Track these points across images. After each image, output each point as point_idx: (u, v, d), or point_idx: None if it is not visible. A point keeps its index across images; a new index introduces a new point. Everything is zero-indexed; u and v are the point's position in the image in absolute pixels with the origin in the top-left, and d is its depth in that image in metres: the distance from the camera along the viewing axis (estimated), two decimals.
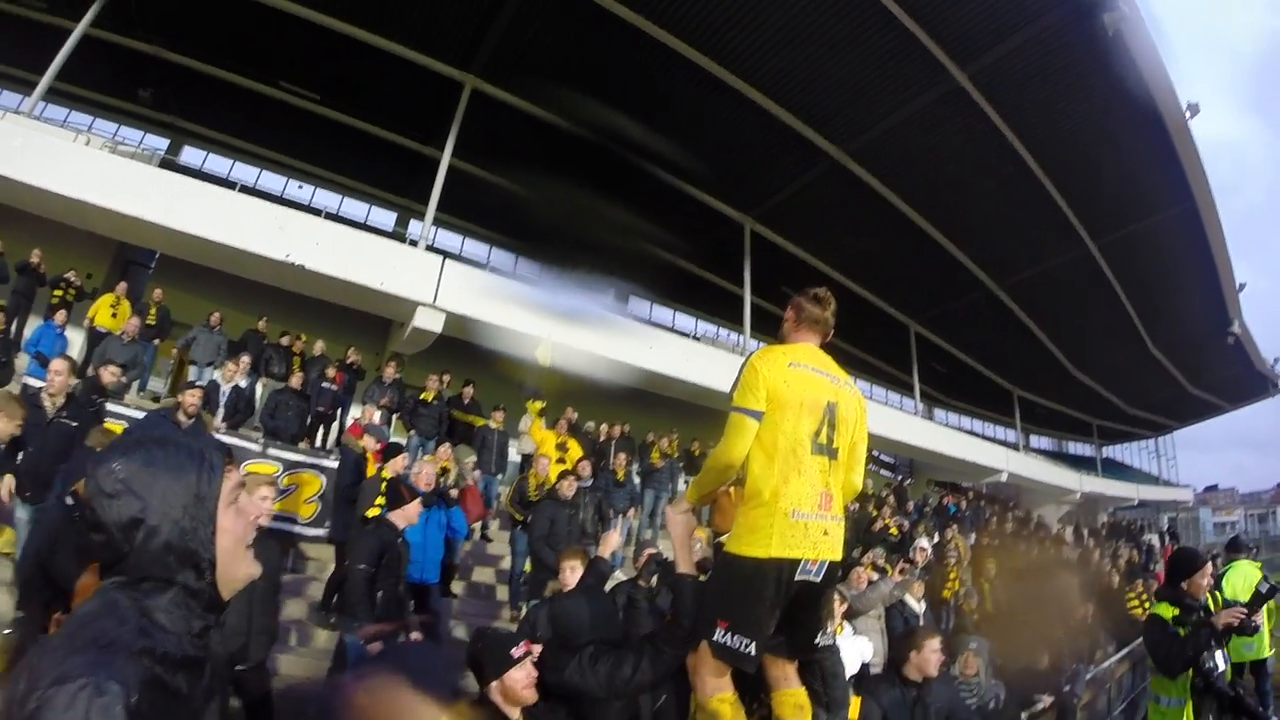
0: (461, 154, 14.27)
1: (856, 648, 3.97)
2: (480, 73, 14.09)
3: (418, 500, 5.36)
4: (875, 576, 7.06)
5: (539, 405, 9.95)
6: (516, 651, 2.78)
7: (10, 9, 14.43)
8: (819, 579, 2.41)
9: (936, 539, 11.25)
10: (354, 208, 19.34)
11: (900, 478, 22.31)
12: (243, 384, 9.53)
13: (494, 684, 2.72)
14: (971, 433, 25.70)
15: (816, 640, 2.53)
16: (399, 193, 18.63)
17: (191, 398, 6.52)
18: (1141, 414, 29.53)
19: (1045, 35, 12.00)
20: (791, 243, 18.31)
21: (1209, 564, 3.97)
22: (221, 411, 8.99)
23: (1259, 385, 27.19)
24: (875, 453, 23.92)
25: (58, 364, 5.81)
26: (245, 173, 18.68)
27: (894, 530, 11.64)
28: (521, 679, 2.74)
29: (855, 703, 3.69)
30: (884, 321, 21.26)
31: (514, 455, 10.88)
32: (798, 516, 2.36)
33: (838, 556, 2.46)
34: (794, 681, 2.58)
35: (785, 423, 2.44)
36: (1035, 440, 31.57)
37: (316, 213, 15.58)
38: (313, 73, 15.11)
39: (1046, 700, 5.69)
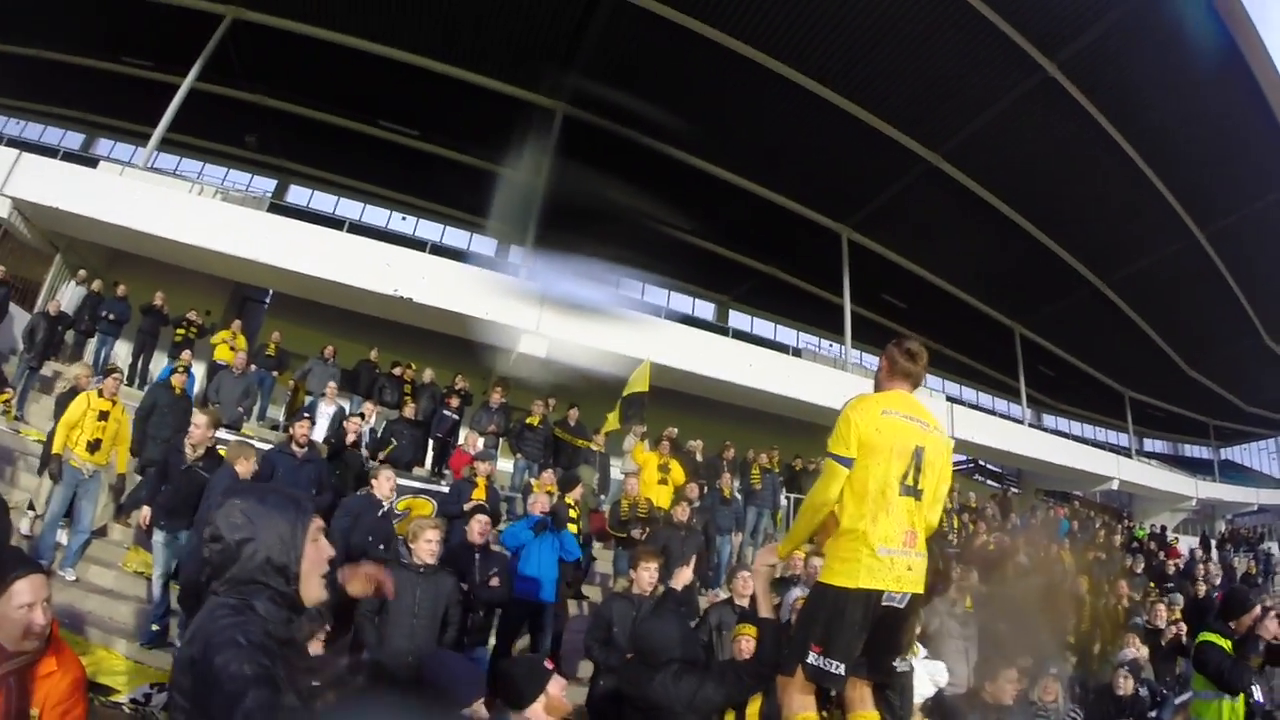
0: (562, 180, 14.54)
1: (928, 671, 3.92)
2: (569, 99, 14.43)
3: None
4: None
5: (640, 444, 10.06)
6: (549, 664, 2.93)
7: (120, 69, 15.60)
8: (903, 605, 2.59)
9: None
10: (455, 237, 20.01)
11: (1006, 488, 21.50)
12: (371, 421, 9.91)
13: (537, 702, 2.78)
14: (1081, 439, 24.63)
15: (895, 664, 2.70)
16: (502, 218, 19.03)
17: (302, 428, 6.92)
18: (1260, 412, 27.62)
19: (1132, 16, 11.56)
20: (890, 250, 18.06)
21: (1257, 607, 4.38)
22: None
23: None
24: (982, 462, 23.22)
25: (199, 418, 6.17)
26: (350, 208, 19.59)
27: (991, 546, 11.13)
28: (559, 690, 2.86)
29: None
30: (988, 325, 20.65)
31: (617, 474, 10.99)
32: (884, 552, 2.56)
33: (920, 589, 2.63)
34: (869, 704, 2.73)
35: (876, 467, 2.63)
36: (1149, 444, 29.95)
37: (421, 245, 16.21)
38: (410, 110, 15.82)
39: None
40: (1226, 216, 16.30)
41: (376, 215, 19.80)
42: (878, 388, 2.93)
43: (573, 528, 8.00)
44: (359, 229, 17.01)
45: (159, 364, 11.74)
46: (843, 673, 2.53)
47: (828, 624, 2.58)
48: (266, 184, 19.60)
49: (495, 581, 5.62)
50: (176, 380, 8.31)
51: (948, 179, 15.35)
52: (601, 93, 14.06)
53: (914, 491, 2.65)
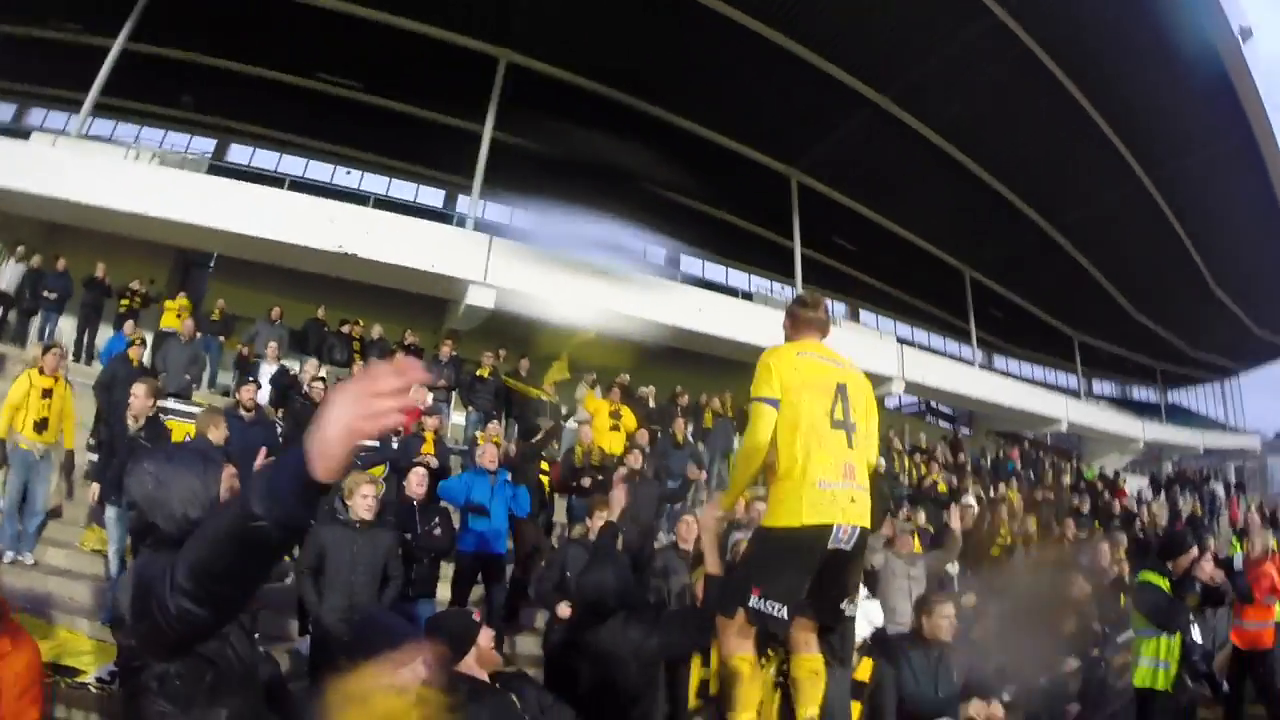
0: (504, 127, 14.31)
1: (864, 612, 3.98)
2: (515, 45, 14.13)
3: None
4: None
5: (591, 391, 10.04)
6: (477, 616, 2.93)
7: (50, 35, 14.91)
8: (849, 547, 2.61)
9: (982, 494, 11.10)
10: (402, 189, 19.54)
11: (956, 429, 21.94)
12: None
13: (469, 655, 2.79)
14: (1032, 380, 25.11)
15: (842, 607, 2.75)
16: (445, 170, 18.68)
17: (248, 392, 6.91)
18: (1206, 357, 28.50)
19: None
20: (839, 193, 18.03)
21: (1194, 549, 4.55)
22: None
23: None
24: (932, 404, 23.63)
25: (138, 388, 5.98)
26: (293, 164, 19.04)
27: (941, 486, 11.38)
28: (488, 642, 2.89)
29: (866, 664, 3.76)
30: (938, 267, 20.80)
31: (571, 424, 10.99)
32: (824, 486, 2.59)
33: (866, 523, 2.67)
34: (814, 647, 2.78)
35: (802, 403, 2.69)
36: (1098, 387, 30.72)
37: (365, 199, 15.85)
38: (350, 62, 15.27)
39: (1072, 664, 5.40)
40: (1174, 164, 16.48)
41: (320, 171, 19.26)
42: (789, 341, 3.02)
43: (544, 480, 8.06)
44: (302, 186, 16.60)
45: (105, 337, 11.41)
46: (785, 615, 2.55)
47: (770, 567, 2.61)
48: (206, 144, 18.92)
49: (438, 532, 5.60)
50: (134, 353, 8.14)
51: (896, 122, 15.30)
52: (542, 38, 13.83)
53: (844, 425, 2.71)
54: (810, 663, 2.75)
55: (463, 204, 17.52)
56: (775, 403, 2.70)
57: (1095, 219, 18.62)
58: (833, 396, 2.72)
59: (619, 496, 5.15)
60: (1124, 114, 15.02)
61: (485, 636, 2.83)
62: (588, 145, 13.72)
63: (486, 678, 2.78)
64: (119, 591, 1.52)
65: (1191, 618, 4.40)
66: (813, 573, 2.59)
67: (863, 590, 5.39)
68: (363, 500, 4.67)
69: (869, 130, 15.62)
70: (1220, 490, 21.85)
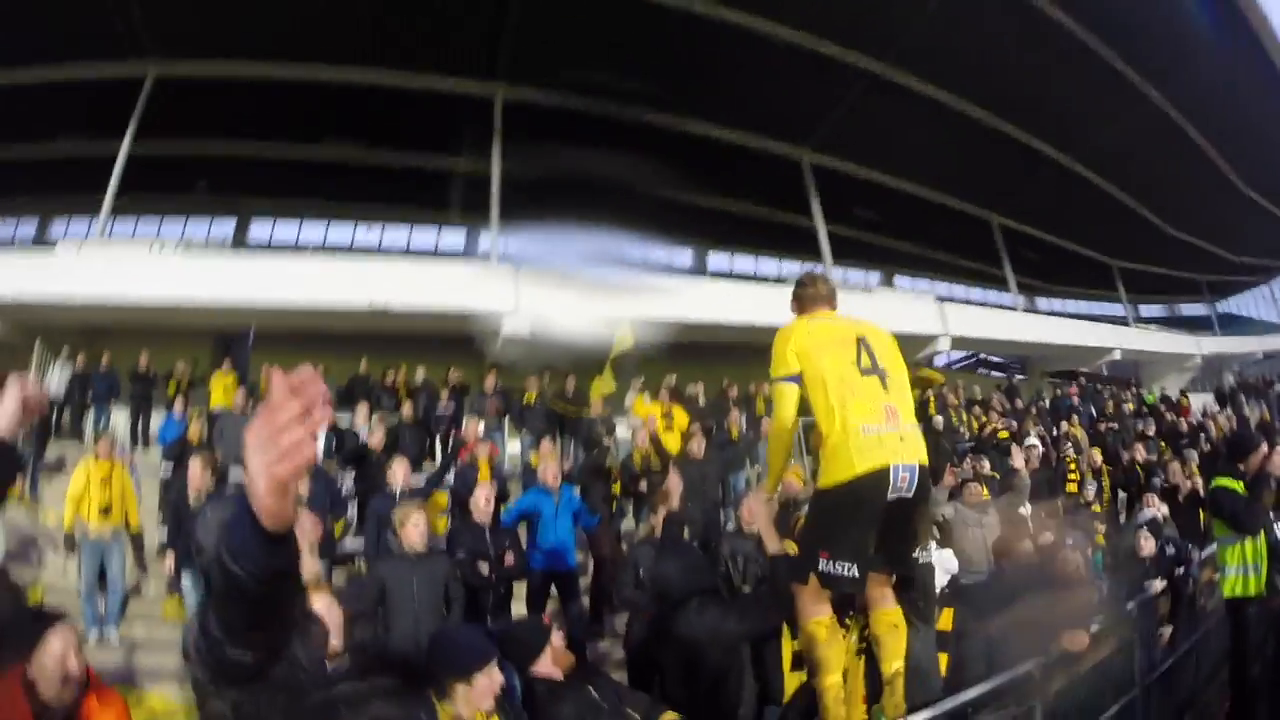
0: (511, 159, 14.58)
1: (939, 562, 3.94)
2: (506, 79, 14.40)
3: None
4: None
5: (640, 397, 10.06)
6: (546, 620, 2.99)
7: (59, 150, 15.48)
8: (911, 493, 2.55)
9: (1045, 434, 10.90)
10: (423, 235, 19.61)
11: (1010, 376, 21.56)
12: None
13: (544, 655, 2.86)
14: (1078, 315, 24.60)
15: (915, 555, 2.78)
16: (463, 210, 18.75)
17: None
18: (1250, 260, 27.62)
19: None
20: (854, 164, 17.97)
21: (1264, 445, 4.36)
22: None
23: None
24: (983, 355, 23.26)
25: (194, 464, 6.14)
26: (313, 231, 19.45)
27: (1003, 433, 11.12)
28: (560, 641, 2.95)
29: (948, 614, 3.74)
30: (964, 220, 20.55)
31: (624, 433, 11.02)
32: (868, 431, 2.55)
33: (922, 458, 2.60)
34: (890, 601, 2.75)
35: (825, 360, 2.68)
36: (1146, 310, 29.92)
37: (388, 252, 16.18)
38: (351, 124, 15.61)
39: (1158, 585, 5.31)
40: (1181, 74, 16.18)
41: (342, 232, 19.67)
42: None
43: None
44: (326, 249, 16.99)
45: (158, 422, 11.75)
46: (856, 574, 2.52)
47: (833, 527, 2.59)
48: (226, 225, 19.45)
49: (510, 558, 5.62)
50: (193, 431, 8.52)
51: (897, 86, 15.27)
52: (530, 68, 14.00)
53: (874, 371, 2.68)
54: (889, 616, 2.73)
55: (485, 241, 17.76)
56: (795, 379, 2.71)
57: (1113, 144, 18.27)
58: (855, 348, 2.70)
59: (674, 484, 5.17)
60: (1121, 33, 14.77)
61: (556, 638, 2.91)
62: (594, 164, 13.81)
63: (562, 677, 2.86)
64: (186, 629, 1.53)
65: (1273, 516, 4.17)
66: (876, 525, 2.56)
67: (932, 543, 5.40)
68: (414, 530, 4.70)
69: (871, 99, 15.54)
70: None
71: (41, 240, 17.55)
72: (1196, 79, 16.38)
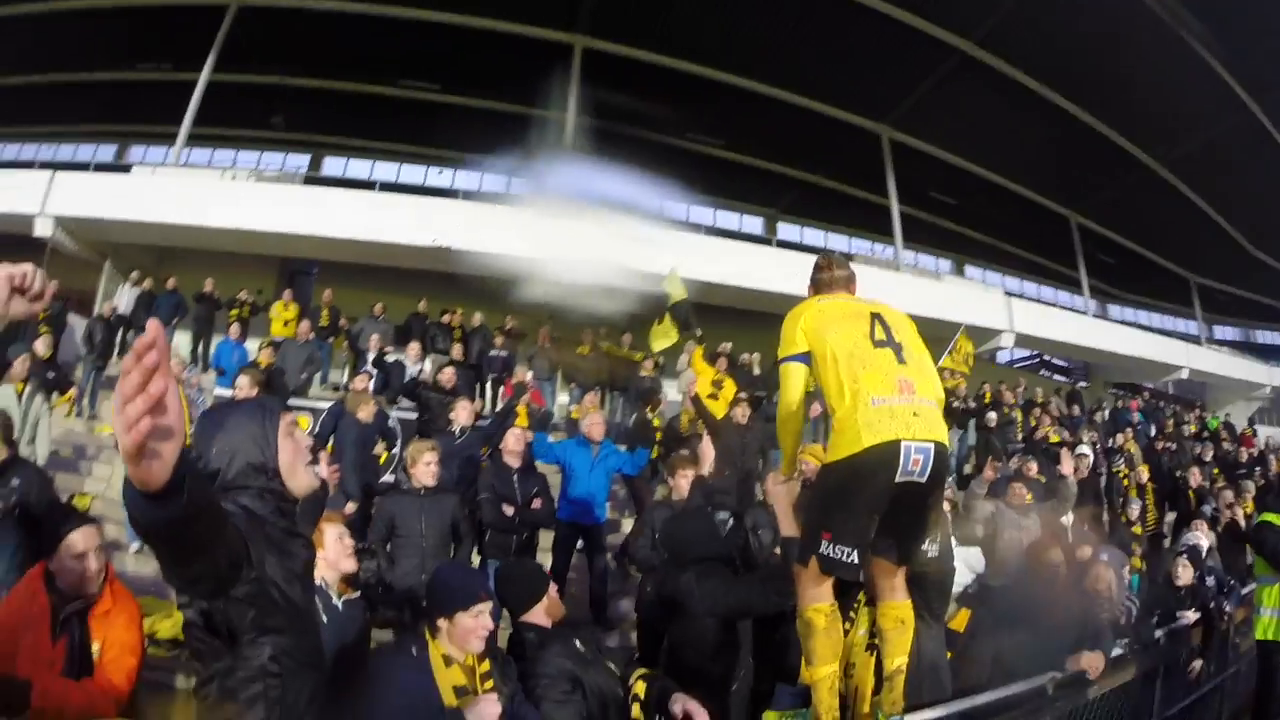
0: (589, 111, 14.43)
1: (964, 558, 3.76)
2: (587, 30, 14.28)
3: None
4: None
5: (700, 349, 9.94)
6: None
7: (140, 76, 15.85)
8: (924, 478, 2.35)
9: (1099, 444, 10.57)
10: (493, 182, 19.78)
11: (1073, 381, 20.98)
12: (426, 367, 10.12)
13: (539, 605, 2.83)
14: (1149, 328, 23.79)
15: (924, 546, 2.57)
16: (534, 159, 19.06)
17: (360, 383, 7.28)
18: None
19: None
20: (933, 146, 17.55)
21: None
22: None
23: None
24: (1046, 357, 22.67)
25: (241, 379, 6.24)
26: (386, 170, 19.67)
27: (1054, 438, 10.87)
28: (554, 592, 2.89)
29: (964, 615, 3.61)
30: (1042, 215, 20.02)
31: (673, 395, 10.95)
32: (878, 402, 2.36)
33: (940, 437, 2.38)
34: (900, 594, 2.61)
35: (835, 335, 2.50)
36: (1220, 331, 28.81)
37: (456, 195, 16.32)
38: (427, 65, 15.75)
39: (1191, 616, 4.99)
40: None
41: (413, 174, 19.87)
42: None
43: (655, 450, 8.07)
44: (396, 188, 17.16)
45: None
46: (856, 561, 2.35)
47: (836, 506, 2.42)
48: (301, 160, 19.82)
49: (538, 503, 5.65)
50: (263, 357, 8.77)
51: (984, 67, 14.81)
52: (615, 20, 13.85)
53: (889, 344, 2.50)
54: (896, 610, 2.59)
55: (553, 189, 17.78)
56: (802, 357, 2.57)
57: (1205, 153, 17.50)
58: (868, 321, 2.53)
59: (707, 449, 5.08)
60: (1227, 38, 14.07)
61: (553, 589, 2.90)
62: (669, 120, 13.70)
63: (550, 626, 2.84)
64: None
65: None
66: (881, 509, 2.39)
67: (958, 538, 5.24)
68: (426, 468, 4.77)
69: (958, 79, 15.13)
70: None
71: (120, 164, 18.06)
72: None
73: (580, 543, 6.35)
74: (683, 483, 5.09)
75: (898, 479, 2.32)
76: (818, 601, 2.51)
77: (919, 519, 2.51)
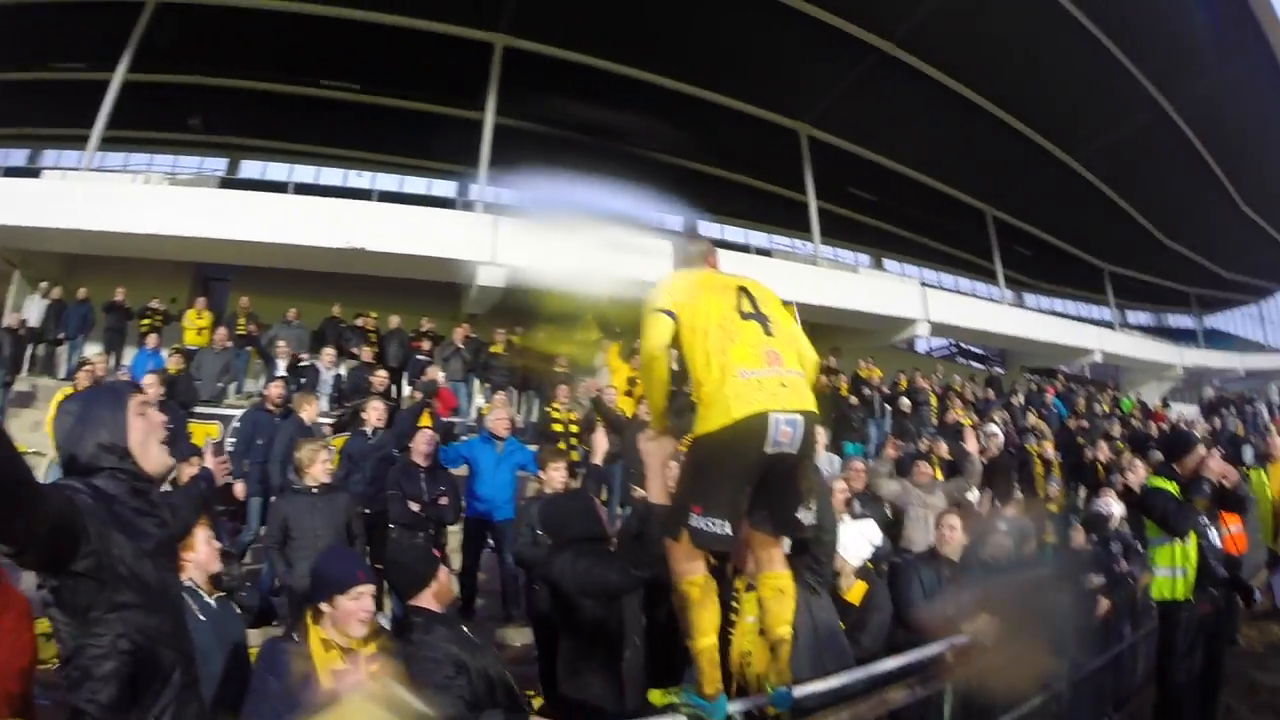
0: (506, 111, 14.36)
1: (863, 532, 3.85)
2: (509, 29, 14.12)
3: None
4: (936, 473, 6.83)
5: (617, 346, 9.97)
6: (437, 553, 2.85)
7: (51, 76, 15.18)
8: (795, 448, 2.35)
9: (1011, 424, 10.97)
10: (414, 184, 19.54)
11: (989, 368, 21.66)
12: (342, 372, 10.04)
13: (428, 589, 2.79)
14: (1063, 315, 24.65)
15: (799, 515, 2.51)
16: (454, 161, 18.16)
17: (275, 389, 7.11)
18: (1241, 278, 27.76)
19: None
20: (851, 143, 17.82)
21: (1200, 447, 4.33)
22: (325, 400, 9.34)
23: None
24: (962, 344, 23.29)
25: (148, 379, 6.43)
26: (305, 173, 19.15)
27: (966, 421, 11.15)
28: (445, 577, 2.85)
29: (860, 587, 3.67)
30: (959, 210, 20.50)
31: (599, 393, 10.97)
32: (745, 374, 2.36)
33: (807, 406, 2.39)
34: (778, 564, 2.61)
35: (702, 305, 2.51)
36: (1133, 317, 30.02)
37: (371, 196, 16.07)
38: (349, 65, 15.39)
39: (1097, 581, 5.21)
40: (1193, 85, 16.10)
41: (332, 177, 19.41)
42: None
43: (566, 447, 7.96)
44: (314, 191, 16.78)
45: (130, 358, 11.67)
46: (728, 532, 2.35)
47: (706, 479, 2.40)
48: (218, 164, 19.19)
49: (444, 500, 5.72)
50: (172, 364, 8.63)
51: (904, 66, 15.09)
52: (536, 18, 13.78)
53: (756, 316, 2.52)
54: (775, 580, 2.59)
55: (474, 191, 17.64)
56: (669, 312, 2.53)
57: (1117, 148, 18.18)
58: (735, 294, 2.56)
59: (600, 441, 5.11)
60: (1137, 38, 14.65)
61: (443, 573, 2.84)
62: (593, 120, 13.65)
63: (441, 611, 2.81)
64: None
65: (1208, 521, 4.11)
66: (752, 481, 2.39)
67: (853, 510, 5.39)
68: (322, 466, 4.79)
69: (876, 77, 15.36)
70: (1264, 410, 21.24)
71: (31, 168, 17.29)
72: (1208, 92, 16.32)
73: (490, 541, 6.36)
74: (555, 475, 5.09)
75: (768, 450, 2.32)
76: (691, 574, 2.50)
77: (792, 488, 2.49)
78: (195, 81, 15.82)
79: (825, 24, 13.93)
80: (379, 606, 2.58)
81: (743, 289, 2.58)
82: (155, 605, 1.67)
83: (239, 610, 3.19)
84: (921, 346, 20.40)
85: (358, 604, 2.42)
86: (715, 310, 2.49)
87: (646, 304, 2.59)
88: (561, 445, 8.03)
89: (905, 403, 11.48)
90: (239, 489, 6.54)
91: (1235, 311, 32.22)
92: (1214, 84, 16.03)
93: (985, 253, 20.87)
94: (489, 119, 14.09)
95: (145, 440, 1.79)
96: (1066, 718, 4.14)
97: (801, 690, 2.63)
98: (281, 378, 8.65)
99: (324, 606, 2.44)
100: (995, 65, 15.26)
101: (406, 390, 10.74)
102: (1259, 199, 21.54)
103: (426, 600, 2.76)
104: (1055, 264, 24.46)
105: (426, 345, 11.26)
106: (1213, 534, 4.12)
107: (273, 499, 5.61)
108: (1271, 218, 22.78)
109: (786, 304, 3.05)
